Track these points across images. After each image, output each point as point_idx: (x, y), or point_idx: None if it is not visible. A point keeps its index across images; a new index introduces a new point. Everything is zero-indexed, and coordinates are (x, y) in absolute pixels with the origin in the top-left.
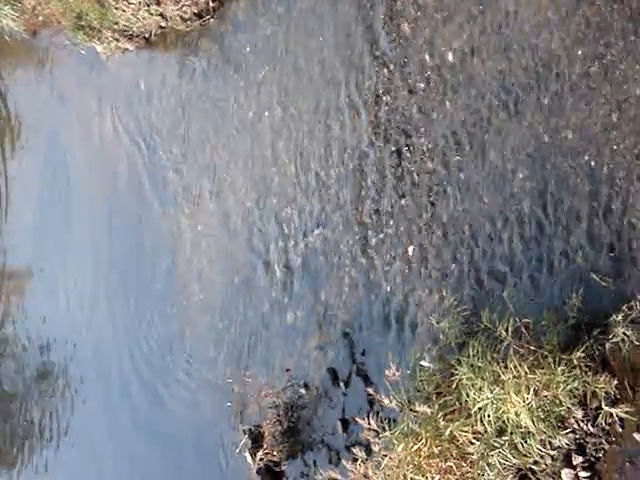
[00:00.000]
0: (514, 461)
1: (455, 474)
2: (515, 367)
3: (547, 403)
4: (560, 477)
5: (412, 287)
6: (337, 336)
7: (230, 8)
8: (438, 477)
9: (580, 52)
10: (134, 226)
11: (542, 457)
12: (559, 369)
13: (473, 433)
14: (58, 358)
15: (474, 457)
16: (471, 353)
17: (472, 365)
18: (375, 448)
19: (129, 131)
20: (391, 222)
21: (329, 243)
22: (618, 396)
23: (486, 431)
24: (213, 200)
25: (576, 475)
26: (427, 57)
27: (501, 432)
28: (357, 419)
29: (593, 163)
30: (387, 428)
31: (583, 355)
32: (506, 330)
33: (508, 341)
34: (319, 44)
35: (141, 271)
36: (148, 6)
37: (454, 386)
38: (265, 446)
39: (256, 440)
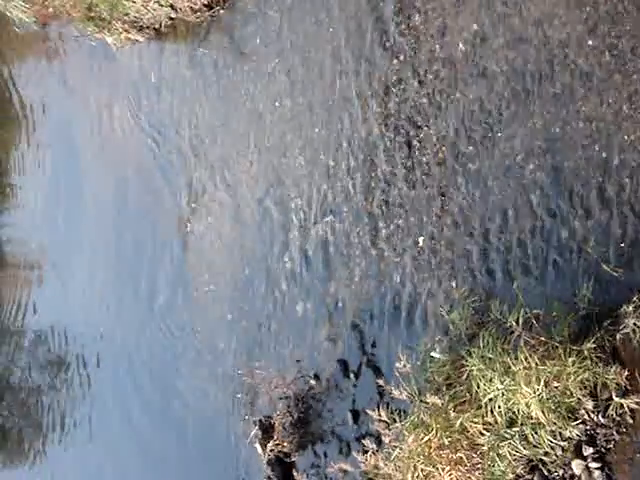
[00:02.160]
0: (524, 452)
1: (465, 465)
2: (525, 358)
3: (557, 394)
4: (571, 468)
5: (422, 278)
6: (347, 327)
7: None
8: (448, 468)
9: (591, 43)
10: (145, 217)
11: (552, 448)
12: (569, 360)
13: (483, 424)
14: (68, 349)
15: (484, 448)
16: (481, 344)
17: (482, 356)
18: (385, 439)
19: (139, 122)
20: (401, 213)
21: (339, 234)
22: (629, 387)
23: (496, 422)
24: (223, 191)
25: (586, 466)
26: (437, 48)
27: (511, 423)
28: (367, 410)
29: (604, 154)
30: (397, 419)
31: (594, 346)
32: (516, 321)
33: (518, 332)
34: (329, 35)
35: (151, 262)
36: None
37: (464, 377)
38: (275, 437)
39: (267, 431)
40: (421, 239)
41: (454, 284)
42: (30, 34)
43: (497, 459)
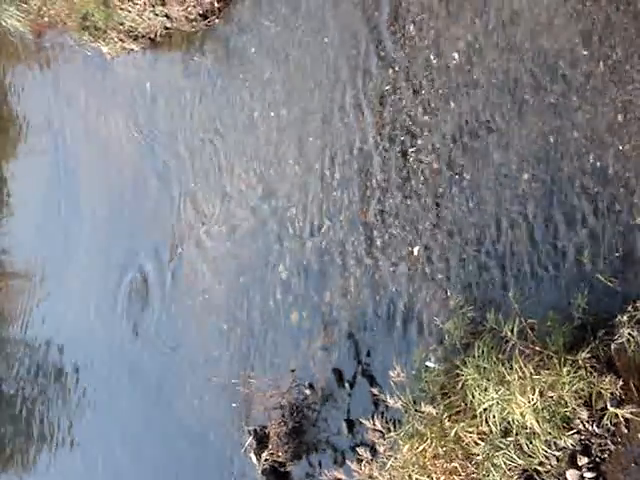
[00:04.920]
0: (519, 462)
1: (460, 475)
2: (520, 368)
3: (552, 404)
4: (565, 478)
5: (417, 288)
6: (342, 337)
7: (235, 9)
8: (443, 478)
9: (585, 53)
10: (141, 226)
11: (547, 458)
12: (564, 370)
13: (478, 434)
14: (63, 360)
15: (479, 458)
16: (476, 354)
17: (477, 366)
18: (380, 449)
19: (134, 132)
20: (396, 222)
21: (334, 244)
22: (623, 397)
23: (491, 432)
24: (218, 200)
25: (581, 476)
26: (432, 57)
27: (506, 433)
28: (362, 420)
29: (598, 164)
30: (392, 429)
31: (588, 356)
32: (511, 331)
33: (513, 342)
34: (324, 45)
35: (146, 271)
36: (153, 7)
37: (459, 387)
38: (270, 447)
39: (261, 441)
40: (416, 249)
41: (449, 293)
42: (25, 43)
43: (492, 469)
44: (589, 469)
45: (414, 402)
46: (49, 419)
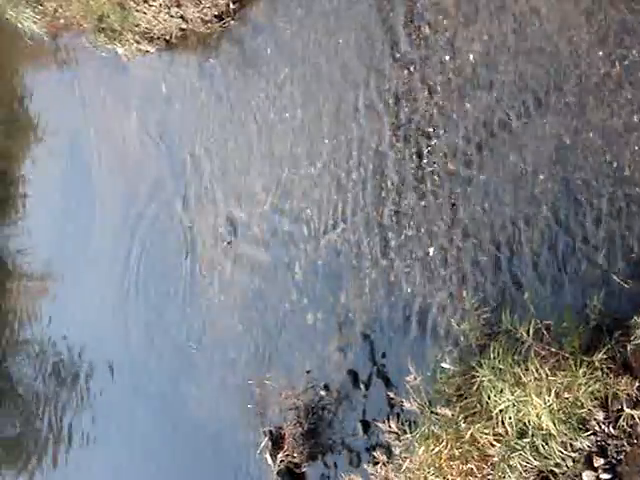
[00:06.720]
0: (535, 463)
1: (476, 476)
2: (536, 369)
3: (568, 405)
4: (581, 479)
5: (433, 289)
6: (357, 338)
7: (250, 10)
8: (459, 479)
9: (601, 53)
10: (156, 229)
11: (563, 459)
12: (580, 371)
13: (494, 435)
14: (78, 360)
15: (495, 459)
16: (492, 355)
17: (493, 367)
18: (396, 450)
19: (150, 133)
20: (411, 223)
21: (349, 245)
22: (639, 398)
23: (507, 433)
24: (232, 201)
25: (597, 477)
26: (447, 58)
27: (522, 434)
28: (377, 421)
29: (615, 164)
30: (408, 430)
31: (604, 357)
32: (527, 332)
33: (529, 343)
34: (339, 46)
35: (162, 273)
36: (169, 8)
37: (475, 388)
38: (286, 448)
39: (276, 442)
40: (431, 250)
41: (464, 295)
42: (41, 45)
43: (508, 470)
44: (605, 470)
45: (429, 403)
46: (68, 419)
